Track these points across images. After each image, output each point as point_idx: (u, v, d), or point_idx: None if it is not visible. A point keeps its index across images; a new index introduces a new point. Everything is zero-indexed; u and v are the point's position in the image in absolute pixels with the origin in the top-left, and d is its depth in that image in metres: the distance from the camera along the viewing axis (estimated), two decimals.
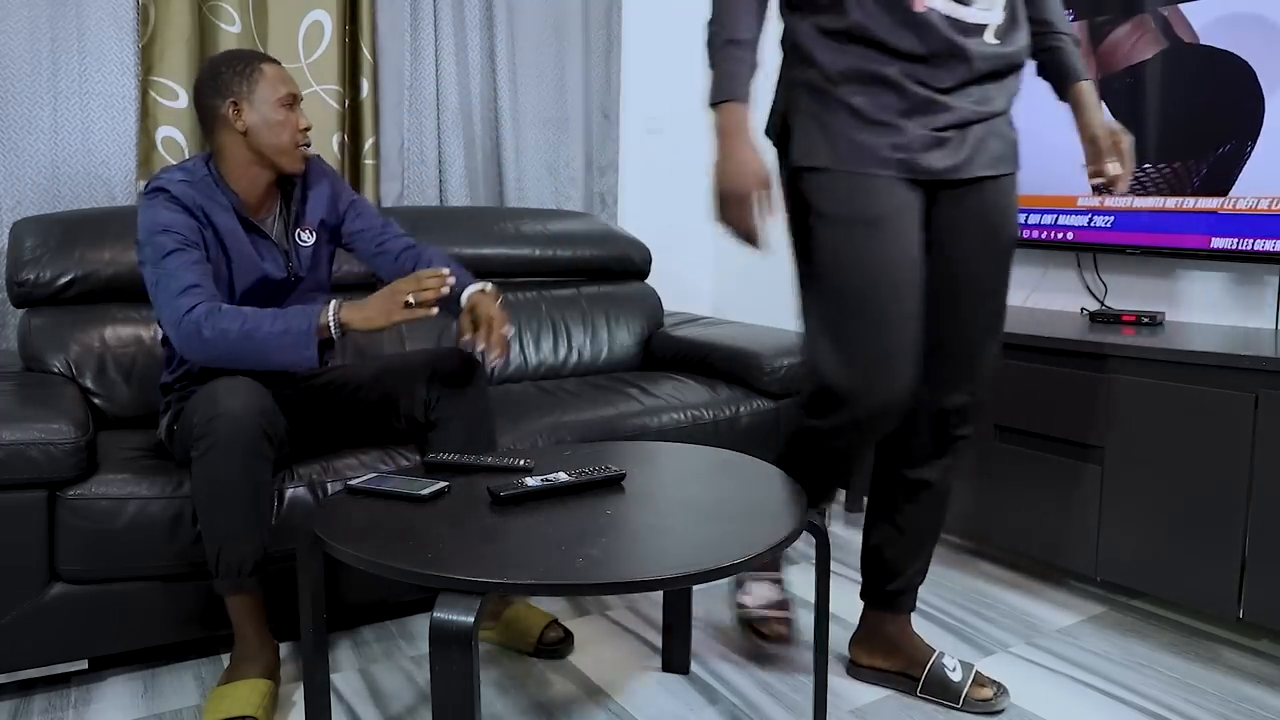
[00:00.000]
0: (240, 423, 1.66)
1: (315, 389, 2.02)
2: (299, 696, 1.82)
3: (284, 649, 2.00)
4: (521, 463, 1.70)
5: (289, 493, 1.92)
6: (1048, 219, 2.67)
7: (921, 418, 1.76)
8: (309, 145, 1.93)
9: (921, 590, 2.34)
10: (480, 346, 1.84)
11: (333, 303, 1.76)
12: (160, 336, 1.98)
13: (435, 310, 1.75)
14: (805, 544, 2.62)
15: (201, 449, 1.66)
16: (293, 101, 1.88)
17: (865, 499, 2.89)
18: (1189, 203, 2.31)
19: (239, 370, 1.76)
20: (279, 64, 1.91)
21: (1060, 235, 2.60)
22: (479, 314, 1.88)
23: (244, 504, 1.69)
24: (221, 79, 1.85)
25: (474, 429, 1.94)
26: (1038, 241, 2.65)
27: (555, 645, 1.98)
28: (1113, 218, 2.53)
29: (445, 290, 1.73)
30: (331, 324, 1.74)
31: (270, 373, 1.90)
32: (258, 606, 1.78)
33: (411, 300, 1.72)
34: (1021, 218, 2.69)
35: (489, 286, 1.93)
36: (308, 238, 2.00)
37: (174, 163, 2.71)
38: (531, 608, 2.04)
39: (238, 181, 1.89)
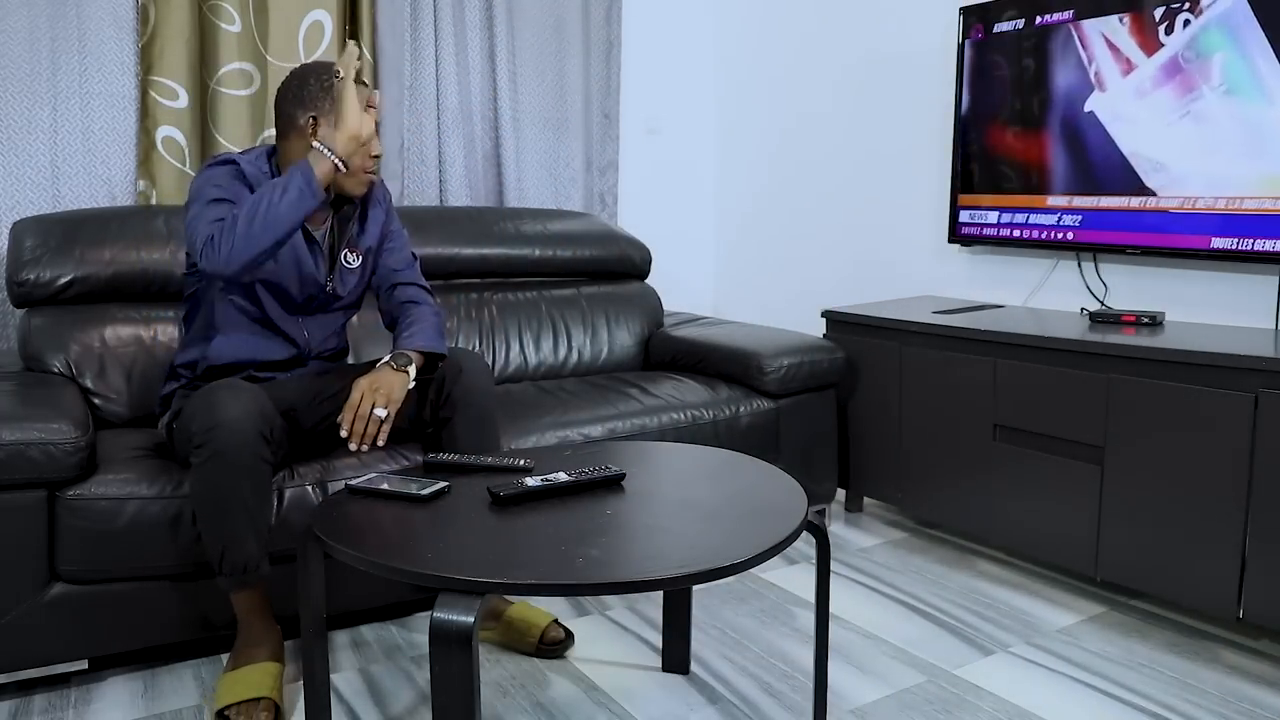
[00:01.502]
0: (240, 430, 1.66)
1: (319, 390, 2.02)
2: (299, 696, 1.82)
3: (284, 648, 2.00)
4: (521, 463, 1.70)
5: (289, 493, 1.92)
6: (1019, 218, 2.70)
7: None
8: (376, 172, 1.93)
9: (921, 590, 2.35)
10: (343, 432, 1.79)
11: (302, 163, 1.73)
12: (182, 314, 1.98)
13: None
14: (805, 544, 2.62)
15: (202, 457, 1.66)
16: (371, 127, 1.87)
17: (864, 498, 2.90)
18: (1189, 202, 2.32)
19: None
20: (367, 86, 1.89)
21: (1060, 235, 2.60)
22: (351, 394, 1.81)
23: (246, 508, 1.69)
24: (308, 90, 1.85)
25: (478, 429, 1.94)
26: (1037, 241, 2.65)
27: (556, 645, 1.99)
28: (1080, 217, 2.55)
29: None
30: (334, 159, 1.73)
31: (278, 364, 1.91)
32: (261, 598, 1.79)
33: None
34: (994, 216, 2.69)
35: (410, 366, 1.86)
36: (354, 260, 2.02)
37: (175, 163, 2.72)
38: (532, 608, 2.04)
39: None
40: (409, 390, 1.89)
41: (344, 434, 1.79)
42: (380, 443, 1.81)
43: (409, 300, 2.05)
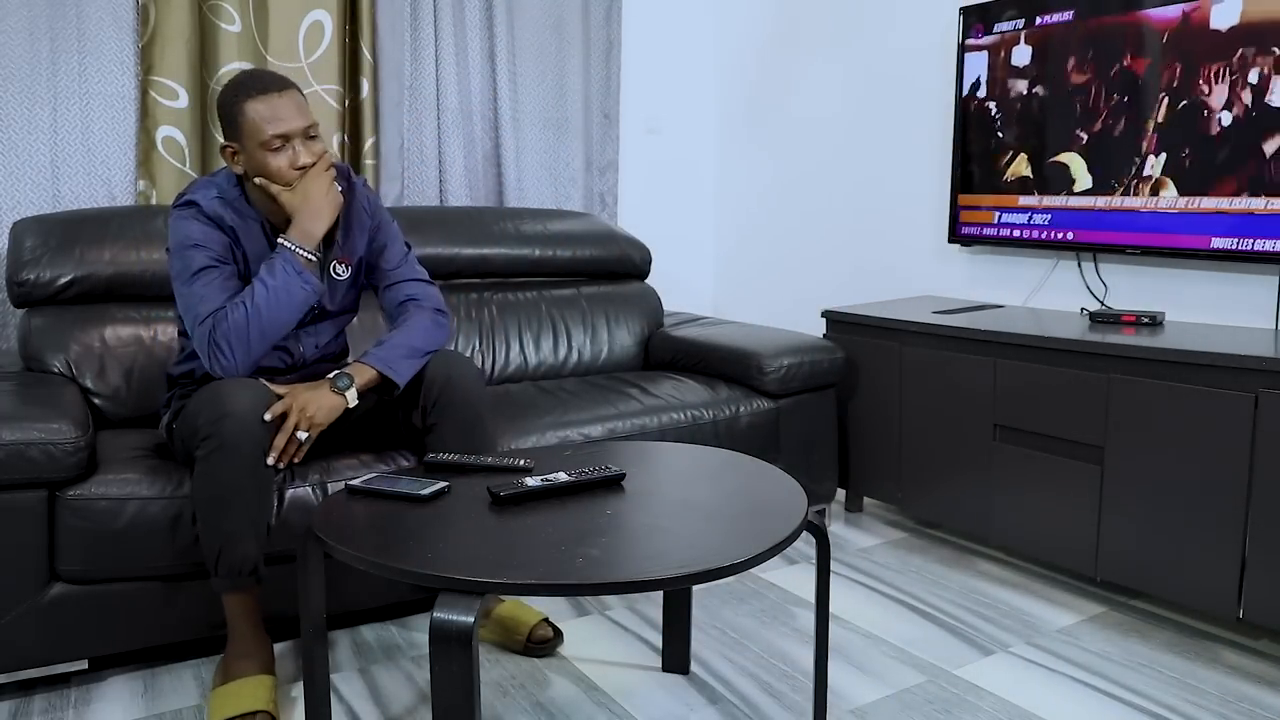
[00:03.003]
0: (246, 424, 1.66)
1: None
2: (299, 696, 1.82)
3: (283, 648, 2.00)
4: (521, 463, 1.70)
5: (289, 493, 1.92)
6: (989, 217, 2.73)
7: None
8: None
9: (921, 590, 2.35)
10: (273, 454, 1.74)
11: (280, 241, 1.79)
12: (178, 325, 1.97)
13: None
14: (805, 544, 2.62)
15: (206, 450, 1.66)
16: (283, 143, 1.77)
17: (864, 498, 2.90)
18: (1189, 202, 2.32)
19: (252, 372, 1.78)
20: (273, 93, 1.76)
21: (1060, 235, 2.60)
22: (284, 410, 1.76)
23: (246, 505, 1.68)
24: (221, 116, 1.81)
25: (469, 433, 1.92)
26: (1037, 241, 2.65)
27: (544, 643, 1.99)
28: (1049, 215, 2.60)
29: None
30: (303, 253, 1.78)
31: (274, 371, 1.91)
32: (254, 604, 1.78)
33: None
34: (994, 216, 2.69)
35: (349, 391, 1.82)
36: (344, 271, 1.98)
37: (175, 163, 2.72)
38: (522, 605, 2.04)
39: (261, 206, 1.87)
40: (412, 384, 1.89)
41: (274, 454, 1.75)
42: (296, 460, 1.79)
43: (406, 299, 2.02)
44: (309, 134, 1.81)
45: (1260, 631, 2.11)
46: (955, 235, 2.87)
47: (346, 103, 2.96)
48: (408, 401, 1.95)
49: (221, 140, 1.83)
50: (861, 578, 2.42)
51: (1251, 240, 2.21)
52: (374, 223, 2.03)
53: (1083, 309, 2.61)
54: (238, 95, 1.77)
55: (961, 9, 2.79)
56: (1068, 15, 2.52)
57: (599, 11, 3.45)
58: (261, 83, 1.78)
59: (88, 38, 2.60)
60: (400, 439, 2.04)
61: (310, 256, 1.79)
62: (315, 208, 1.80)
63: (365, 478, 1.64)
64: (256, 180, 1.81)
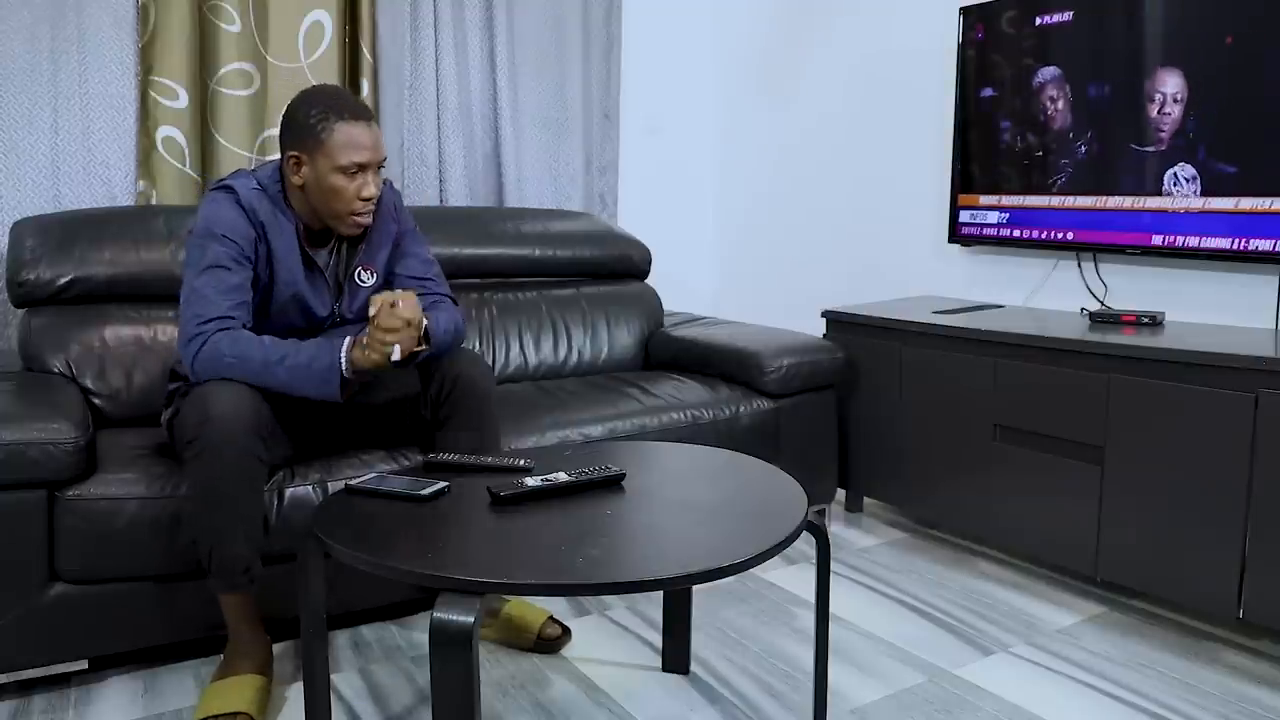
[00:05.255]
0: (232, 426, 1.65)
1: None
2: (299, 696, 1.82)
3: (283, 648, 2.00)
4: (521, 463, 1.70)
5: (289, 493, 1.92)
6: (966, 215, 2.79)
7: None
8: (367, 214, 1.84)
9: (921, 590, 2.35)
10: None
11: (346, 341, 1.75)
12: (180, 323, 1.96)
13: (408, 351, 1.74)
14: (805, 544, 2.63)
15: (193, 452, 1.66)
16: (359, 170, 1.79)
17: (864, 498, 2.90)
18: (1189, 203, 2.31)
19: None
20: (363, 122, 1.79)
21: (1060, 235, 2.60)
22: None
23: (236, 506, 1.69)
24: (295, 124, 1.79)
25: (479, 432, 1.93)
26: (1037, 241, 2.65)
27: (553, 641, 1.99)
28: (1007, 214, 2.67)
29: (395, 339, 1.71)
30: (343, 365, 1.74)
31: None
32: (251, 604, 1.79)
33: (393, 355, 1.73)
34: (994, 216, 2.69)
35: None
36: (368, 278, 1.97)
37: (175, 163, 2.72)
38: (528, 605, 2.04)
39: (299, 211, 1.87)
40: (422, 380, 1.93)
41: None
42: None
43: (429, 305, 1.98)
44: (379, 167, 1.84)
45: (1260, 631, 2.11)
46: (955, 235, 2.87)
47: None
48: (417, 396, 1.95)
49: (284, 148, 1.81)
50: (861, 578, 2.42)
51: (1252, 240, 2.21)
52: (399, 229, 2.02)
53: (1083, 309, 2.61)
54: (329, 113, 1.77)
55: (961, 9, 2.79)
56: (1067, 15, 2.52)
57: (599, 11, 3.45)
58: (353, 108, 1.80)
59: (88, 38, 2.60)
60: (408, 435, 2.04)
61: (348, 377, 1.76)
62: (387, 350, 1.73)
63: (365, 478, 1.64)
64: (323, 213, 1.83)
